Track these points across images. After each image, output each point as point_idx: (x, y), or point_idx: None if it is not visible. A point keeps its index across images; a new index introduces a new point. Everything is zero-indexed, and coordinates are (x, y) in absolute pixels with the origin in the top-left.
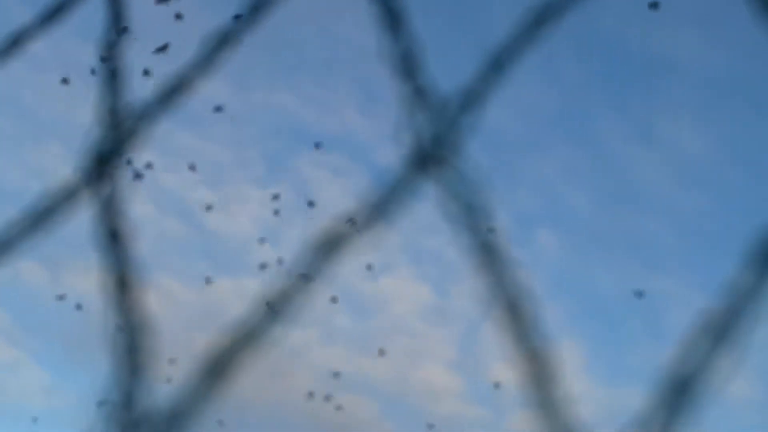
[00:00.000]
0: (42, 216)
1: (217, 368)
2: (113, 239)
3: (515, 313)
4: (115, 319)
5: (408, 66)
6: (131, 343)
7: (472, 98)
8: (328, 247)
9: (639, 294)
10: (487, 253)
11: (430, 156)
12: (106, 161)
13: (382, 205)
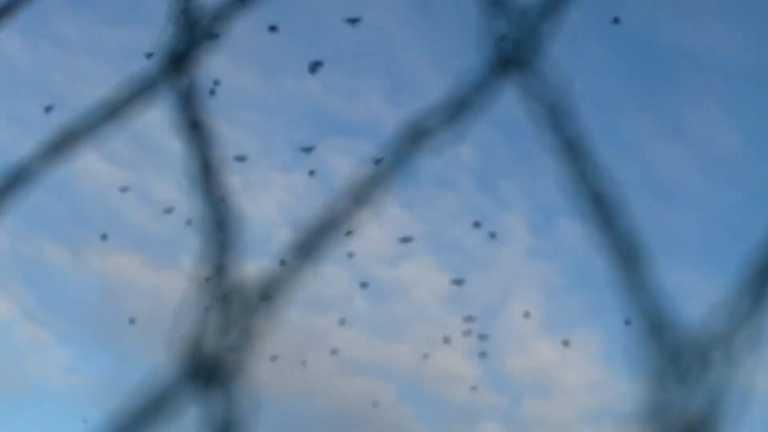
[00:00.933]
0: (121, 106)
1: (306, 248)
2: (194, 128)
3: (601, 205)
4: (202, 200)
5: None
6: (219, 220)
7: (552, 1)
8: (415, 138)
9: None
10: (571, 151)
11: (512, 59)
12: (181, 59)
13: (463, 107)
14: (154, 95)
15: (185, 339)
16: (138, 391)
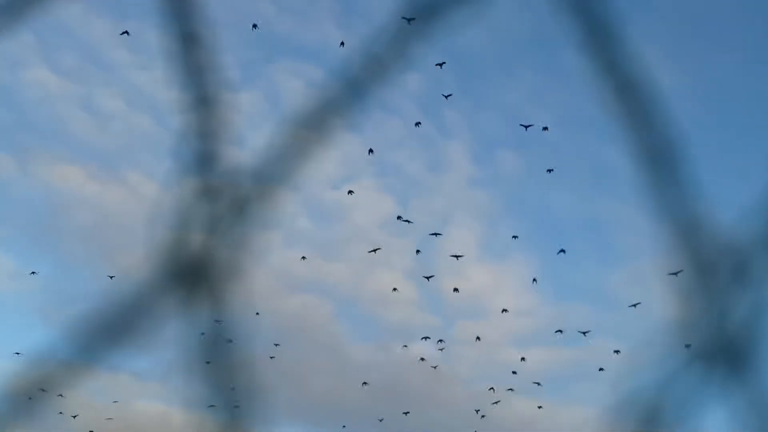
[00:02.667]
0: None
1: (305, 132)
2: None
3: (631, 95)
4: (190, 91)
5: None
6: (206, 108)
7: None
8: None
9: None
10: (598, 33)
11: None
12: None
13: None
14: None
15: (165, 239)
16: (106, 299)
